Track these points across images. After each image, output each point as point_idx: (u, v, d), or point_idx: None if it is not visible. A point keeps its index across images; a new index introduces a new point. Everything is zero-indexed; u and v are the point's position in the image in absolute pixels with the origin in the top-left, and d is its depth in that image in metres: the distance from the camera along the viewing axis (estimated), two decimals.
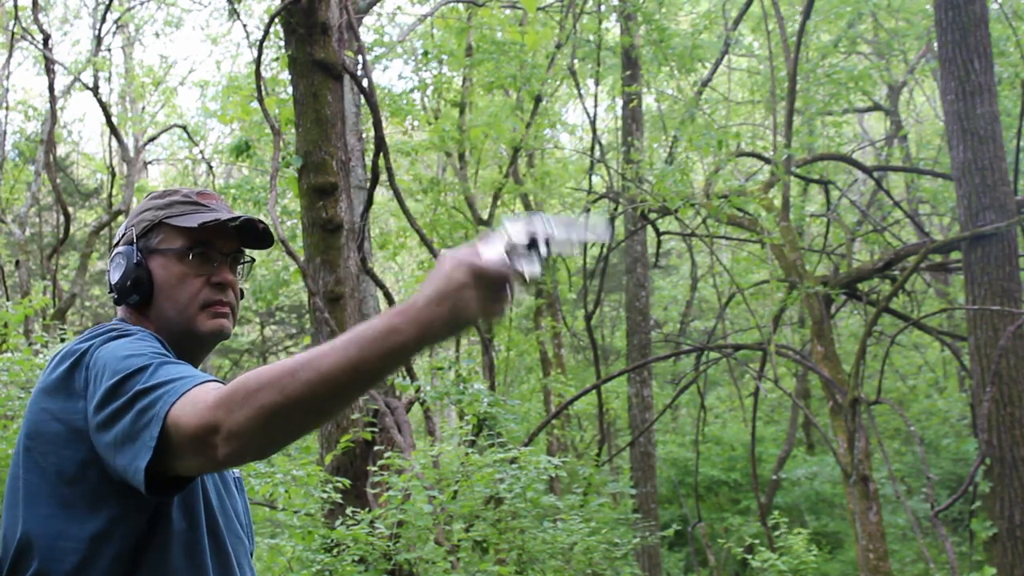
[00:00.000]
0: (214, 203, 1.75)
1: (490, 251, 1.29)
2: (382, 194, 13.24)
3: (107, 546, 1.47)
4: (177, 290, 1.68)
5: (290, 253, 6.18)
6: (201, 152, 15.46)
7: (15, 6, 10.64)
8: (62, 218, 12.31)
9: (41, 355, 5.92)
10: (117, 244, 1.74)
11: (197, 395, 1.35)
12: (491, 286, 1.26)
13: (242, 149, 8.13)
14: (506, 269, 1.27)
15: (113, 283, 1.70)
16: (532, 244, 1.29)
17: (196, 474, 1.44)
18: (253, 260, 1.81)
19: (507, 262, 1.28)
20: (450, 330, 1.27)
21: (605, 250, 11.67)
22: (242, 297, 1.78)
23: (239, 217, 1.70)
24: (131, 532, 1.49)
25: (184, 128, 15.16)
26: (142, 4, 15.74)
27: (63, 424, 1.50)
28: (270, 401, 1.27)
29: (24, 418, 1.58)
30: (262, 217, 10.34)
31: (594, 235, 1.29)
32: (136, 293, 1.68)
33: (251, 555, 1.72)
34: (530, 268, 1.28)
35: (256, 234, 1.74)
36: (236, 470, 1.78)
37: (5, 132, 12.92)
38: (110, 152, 15.04)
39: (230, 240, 1.73)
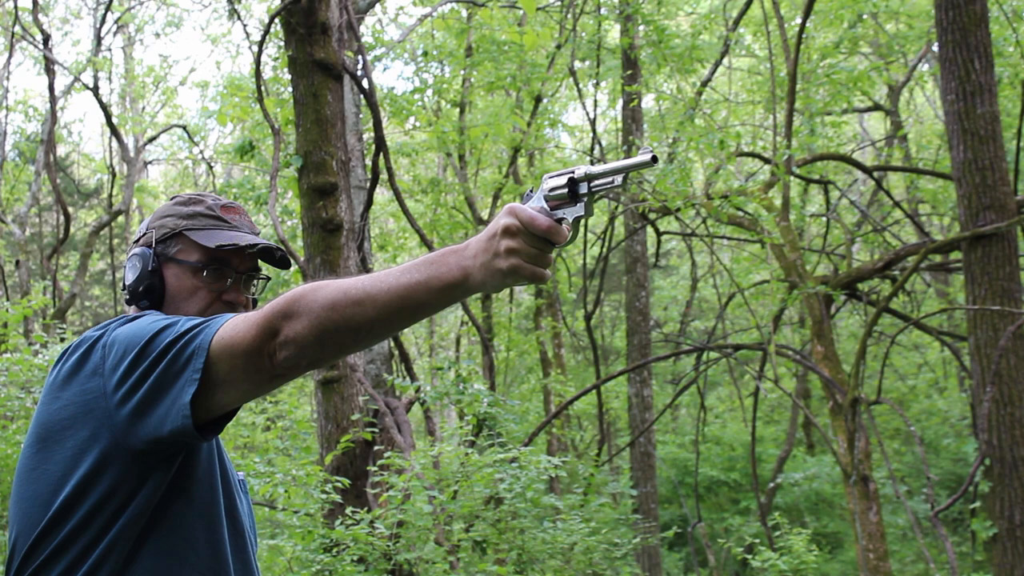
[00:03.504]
0: (237, 219, 1.77)
1: (532, 202, 1.35)
2: (382, 194, 13.24)
3: (118, 513, 1.48)
4: (188, 302, 1.70)
5: (290, 253, 6.17)
6: (201, 152, 15.47)
7: (15, 6, 10.64)
8: (62, 218, 12.32)
9: (41, 355, 5.92)
10: (136, 242, 1.76)
11: (239, 318, 1.41)
12: (533, 232, 1.29)
13: (246, 150, 8.12)
14: (547, 222, 1.29)
15: (127, 284, 1.72)
16: (572, 189, 1.31)
17: (242, 400, 1.47)
18: (268, 278, 1.82)
19: (547, 210, 1.33)
20: (494, 275, 1.30)
21: (605, 250, 11.67)
22: (255, 307, 1.78)
23: (257, 244, 1.72)
24: (144, 500, 1.49)
25: (184, 128, 15.17)
26: (142, 4, 15.74)
27: (76, 406, 1.51)
28: (327, 318, 1.34)
29: (35, 415, 1.58)
30: (263, 218, 10.38)
31: (635, 161, 1.30)
32: (147, 299, 1.70)
33: (254, 555, 1.73)
34: (573, 213, 1.32)
35: (273, 258, 1.76)
36: (240, 472, 1.80)
37: (5, 132, 12.91)
38: (110, 152, 15.05)
39: (247, 259, 1.74)
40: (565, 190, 1.31)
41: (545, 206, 1.33)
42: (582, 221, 1.32)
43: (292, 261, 6.35)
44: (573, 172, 1.31)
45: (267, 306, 1.37)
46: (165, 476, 1.50)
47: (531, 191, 1.38)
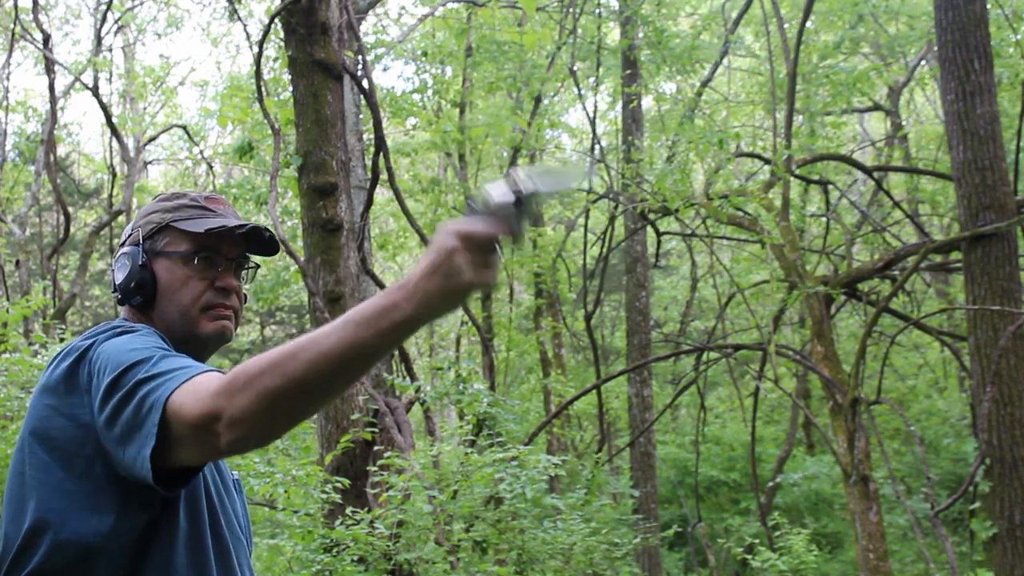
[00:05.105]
0: (222, 208, 1.76)
1: (476, 216, 1.29)
2: (382, 194, 13.24)
3: (111, 542, 1.47)
4: (180, 293, 1.68)
5: (290, 253, 6.18)
6: (201, 152, 15.47)
7: (15, 6, 10.64)
8: (62, 218, 12.32)
9: (40, 355, 5.93)
10: (123, 244, 1.74)
11: (198, 383, 1.35)
12: (479, 249, 1.25)
13: (245, 150, 8.12)
14: (492, 229, 1.26)
15: (117, 283, 1.70)
16: (518, 202, 1.27)
17: (200, 463, 1.44)
18: (257, 266, 1.81)
19: (492, 223, 1.27)
20: (447, 301, 1.25)
21: (605, 250, 11.67)
22: (245, 301, 1.78)
23: (245, 225, 1.71)
24: (136, 529, 1.48)
25: (184, 128, 15.17)
26: (142, 3, 15.75)
27: (68, 419, 1.50)
28: (273, 384, 1.25)
29: (27, 416, 1.57)
30: (263, 218, 10.39)
31: (576, 180, 1.27)
32: (139, 294, 1.68)
33: (249, 556, 1.72)
34: (517, 226, 1.28)
35: (262, 241, 1.75)
36: (235, 472, 1.79)
37: (5, 132, 12.92)
38: (110, 152, 15.07)
39: (236, 246, 1.73)
40: (512, 207, 1.27)
41: (489, 217, 1.29)
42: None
43: (284, 250, 6.35)
44: (519, 188, 1.27)
45: (220, 380, 1.31)
46: (148, 497, 1.48)
47: (471, 200, 1.32)
